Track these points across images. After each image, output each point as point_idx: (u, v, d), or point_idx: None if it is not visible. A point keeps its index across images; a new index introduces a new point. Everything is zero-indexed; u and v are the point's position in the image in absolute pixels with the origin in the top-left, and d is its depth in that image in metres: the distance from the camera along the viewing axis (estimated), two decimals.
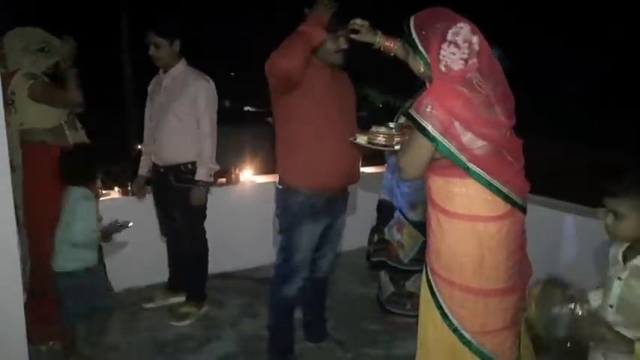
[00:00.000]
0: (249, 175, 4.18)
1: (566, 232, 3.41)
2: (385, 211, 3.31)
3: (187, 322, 3.21)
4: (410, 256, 3.14)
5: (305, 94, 2.41)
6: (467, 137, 1.79)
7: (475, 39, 1.82)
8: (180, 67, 3.18)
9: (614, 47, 16.17)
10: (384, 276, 3.32)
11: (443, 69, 1.78)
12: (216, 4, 15.04)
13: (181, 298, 3.36)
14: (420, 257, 3.14)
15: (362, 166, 2.73)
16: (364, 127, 2.37)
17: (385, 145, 2.21)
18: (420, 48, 1.82)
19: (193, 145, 3.13)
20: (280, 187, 2.57)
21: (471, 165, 1.80)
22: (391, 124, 2.23)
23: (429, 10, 1.86)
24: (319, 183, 2.50)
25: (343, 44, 2.43)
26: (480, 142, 1.81)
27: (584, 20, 15.38)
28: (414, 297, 3.20)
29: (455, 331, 1.87)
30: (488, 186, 1.82)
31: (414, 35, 1.84)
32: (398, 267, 3.18)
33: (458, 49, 1.78)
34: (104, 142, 4.02)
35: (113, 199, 3.56)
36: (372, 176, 3.99)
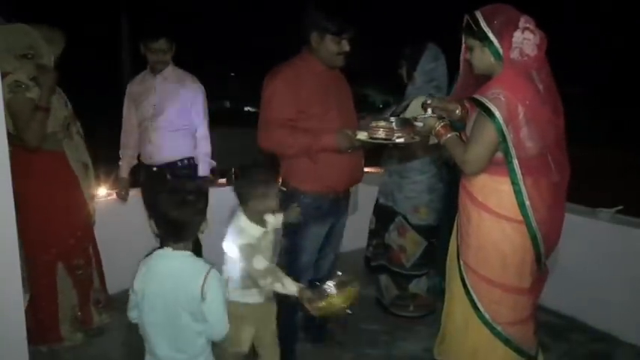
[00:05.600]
0: None
1: None
2: (384, 215, 3.28)
3: None
4: (412, 261, 3.13)
5: (306, 98, 2.39)
6: (523, 132, 1.86)
7: (539, 32, 1.88)
8: (170, 67, 3.27)
9: (614, 46, 16.17)
10: (385, 279, 3.31)
11: (516, 56, 1.84)
12: (218, 6, 15.04)
13: None
14: (422, 262, 3.14)
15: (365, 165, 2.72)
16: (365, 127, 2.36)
17: (386, 139, 2.19)
18: (492, 37, 1.87)
19: (189, 141, 3.31)
20: (284, 189, 2.52)
21: (515, 162, 1.87)
22: (391, 118, 2.22)
23: (493, 5, 1.93)
24: (325, 185, 2.48)
25: (346, 47, 2.40)
26: (533, 140, 1.86)
27: (584, 19, 15.39)
28: (417, 298, 3.20)
29: (486, 323, 1.98)
30: (518, 194, 1.90)
31: (484, 26, 1.88)
32: (400, 272, 3.17)
33: (533, 35, 1.84)
34: (104, 142, 4.02)
35: (111, 200, 3.54)
36: (371, 177, 3.97)
